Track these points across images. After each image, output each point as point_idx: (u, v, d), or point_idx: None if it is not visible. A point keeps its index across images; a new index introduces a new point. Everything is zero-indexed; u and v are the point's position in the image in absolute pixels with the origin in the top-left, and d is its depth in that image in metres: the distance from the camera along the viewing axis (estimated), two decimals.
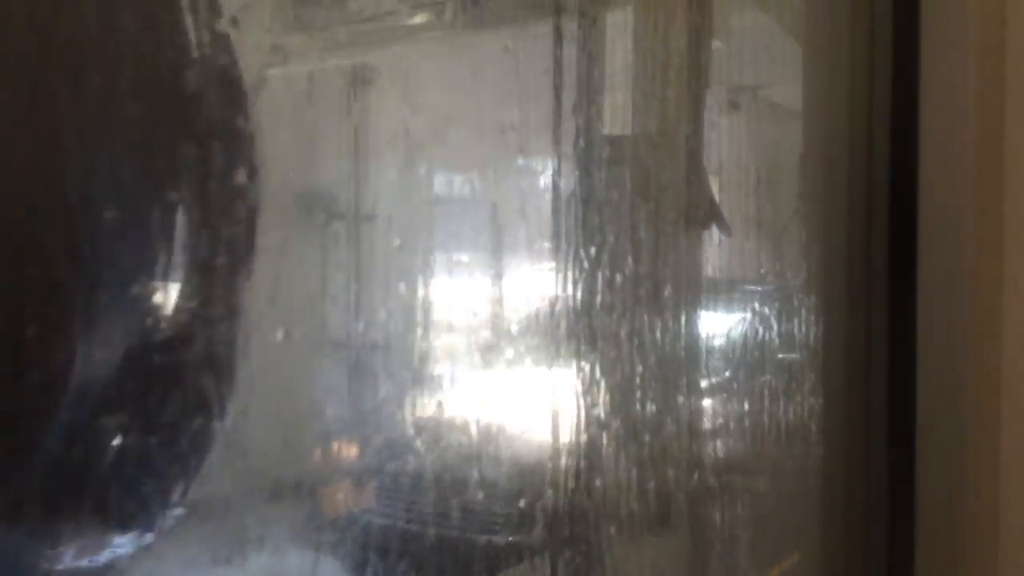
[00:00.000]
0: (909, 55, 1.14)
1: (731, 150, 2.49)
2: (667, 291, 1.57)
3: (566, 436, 1.61)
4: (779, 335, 1.76)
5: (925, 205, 1.22)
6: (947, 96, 1.20)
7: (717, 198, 1.87)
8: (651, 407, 1.69)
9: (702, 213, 1.65)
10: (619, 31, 1.45)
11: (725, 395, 2.24)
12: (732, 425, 2.00)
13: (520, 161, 1.57)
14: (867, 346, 1.07)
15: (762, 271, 2.05)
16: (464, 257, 1.74)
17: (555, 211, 1.33)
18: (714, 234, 1.89)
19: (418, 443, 1.62)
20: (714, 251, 2.03)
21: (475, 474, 1.97)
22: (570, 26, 1.34)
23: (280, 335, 1.17)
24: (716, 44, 2.06)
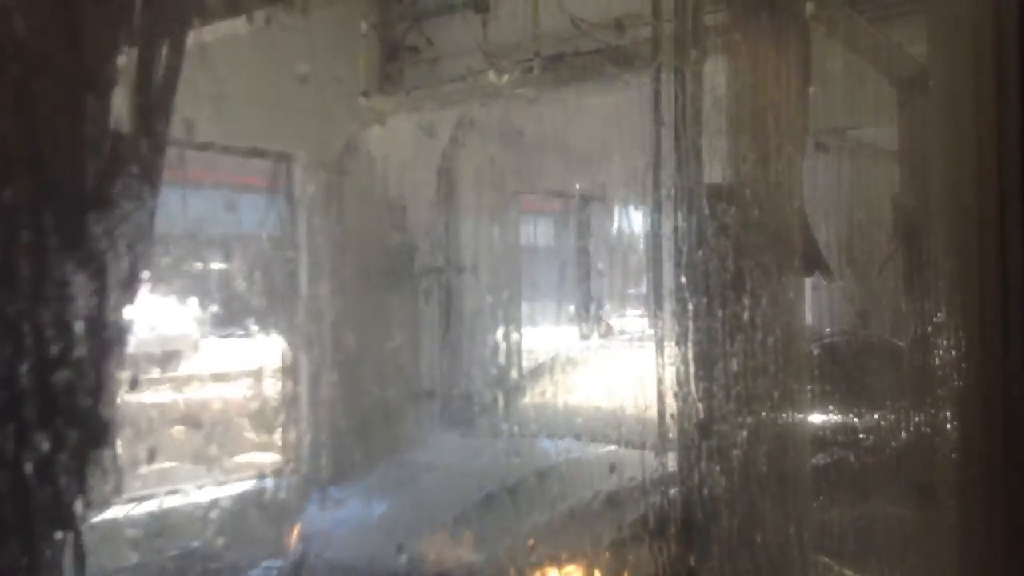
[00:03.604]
0: None
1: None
2: (777, 336, 1.55)
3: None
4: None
5: None
6: None
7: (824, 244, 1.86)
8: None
9: (807, 259, 1.64)
10: (714, 79, 1.47)
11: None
12: None
13: (618, 208, 1.59)
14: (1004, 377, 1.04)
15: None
16: (564, 304, 1.76)
17: (654, 260, 1.34)
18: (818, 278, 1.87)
19: None
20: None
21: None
22: (667, 77, 1.37)
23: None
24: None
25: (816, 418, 2.53)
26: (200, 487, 2.33)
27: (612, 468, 2.17)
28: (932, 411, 1.88)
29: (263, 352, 2.68)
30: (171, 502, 2.07)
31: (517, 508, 2.21)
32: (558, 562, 2.18)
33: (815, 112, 1.88)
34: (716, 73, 1.47)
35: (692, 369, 1.54)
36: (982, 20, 0.90)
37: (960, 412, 1.08)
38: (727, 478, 1.59)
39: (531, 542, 2.19)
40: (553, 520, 2.16)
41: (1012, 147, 0.86)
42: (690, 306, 1.39)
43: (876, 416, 3.34)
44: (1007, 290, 0.89)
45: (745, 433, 1.66)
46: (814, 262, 1.70)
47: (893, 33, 2.31)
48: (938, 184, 1.26)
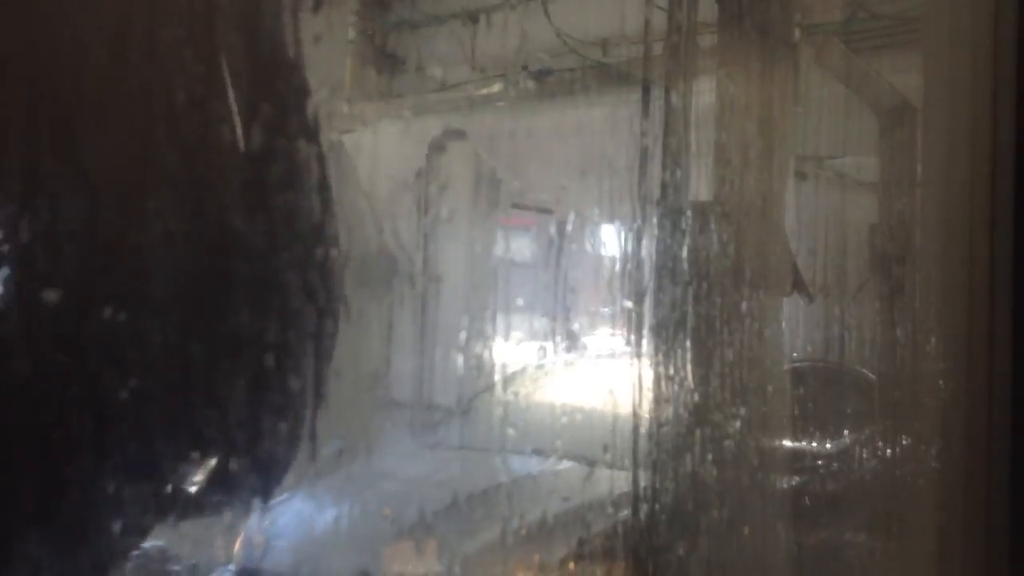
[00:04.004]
0: None
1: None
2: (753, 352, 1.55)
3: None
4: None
5: None
6: None
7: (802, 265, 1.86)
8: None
9: (787, 280, 1.65)
10: (705, 100, 1.48)
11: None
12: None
13: (599, 223, 1.59)
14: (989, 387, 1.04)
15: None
16: (538, 319, 1.75)
17: (632, 277, 1.34)
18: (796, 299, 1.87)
19: None
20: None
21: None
22: (655, 95, 1.37)
23: None
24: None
25: (786, 442, 2.54)
26: None
27: (570, 485, 2.16)
28: (903, 439, 1.90)
29: None
30: None
31: (471, 521, 2.18)
32: None
33: (798, 138, 1.89)
34: (704, 93, 1.47)
35: (664, 387, 1.55)
36: (979, 45, 0.91)
37: (940, 443, 1.08)
38: (691, 499, 1.59)
39: (475, 556, 2.17)
40: (503, 537, 2.15)
41: (1005, 168, 0.87)
42: (667, 323, 1.39)
43: (834, 443, 3.38)
44: (994, 318, 0.89)
45: (715, 453, 1.66)
46: (794, 283, 1.71)
47: (877, 64, 2.34)
48: (926, 208, 1.27)
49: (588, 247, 1.94)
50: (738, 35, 1.67)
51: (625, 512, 1.60)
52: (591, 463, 2.10)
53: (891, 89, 2.24)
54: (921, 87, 1.46)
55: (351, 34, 3.68)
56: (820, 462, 3.21)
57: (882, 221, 2.25)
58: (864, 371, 3.96)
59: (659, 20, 1.62)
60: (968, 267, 0.93)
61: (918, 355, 1.64)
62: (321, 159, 0.74)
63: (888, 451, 2.04)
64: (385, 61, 4.04)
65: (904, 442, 1.76)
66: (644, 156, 1.34)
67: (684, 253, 1.32)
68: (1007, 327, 0.90)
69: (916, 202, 2.22)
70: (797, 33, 1.92)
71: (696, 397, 1.44)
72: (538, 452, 2.35)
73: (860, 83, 2.29)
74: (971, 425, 0.97)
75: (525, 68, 2.95)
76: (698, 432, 1.49)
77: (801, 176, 3.56)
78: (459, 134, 2.66)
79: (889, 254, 2.31)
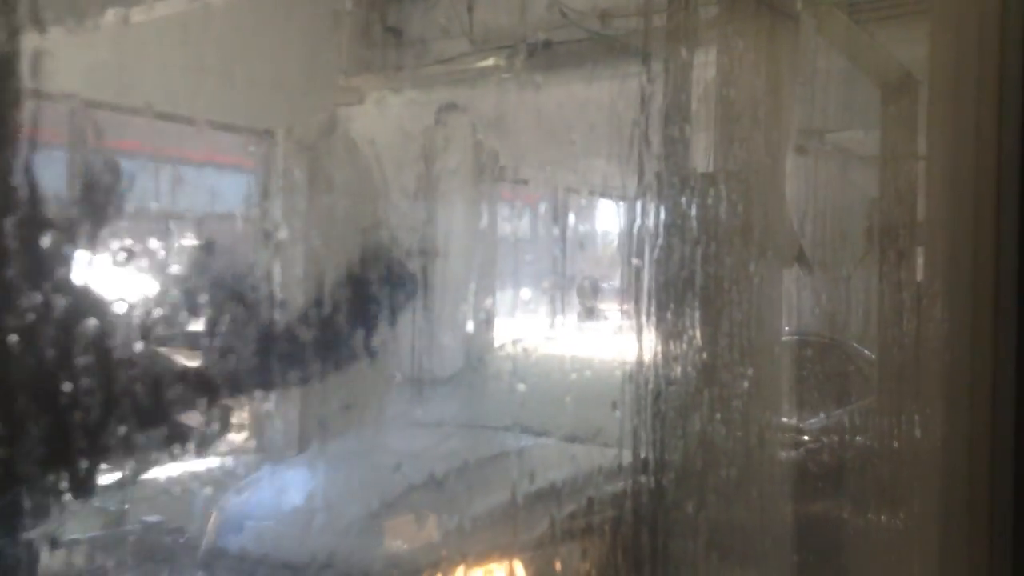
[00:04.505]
0: None
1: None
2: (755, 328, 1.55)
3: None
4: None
5: None
6: None
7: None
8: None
9: (789, 252, 1.64)
10: (702, 72, 1.47)
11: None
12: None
13: (600, 196, 1.59)
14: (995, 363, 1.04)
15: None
16: (539, 289, 1.75)
17: (634, 250, 1.33)
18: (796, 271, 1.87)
19: None
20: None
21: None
22: (657, 68, 1.36)
23: None
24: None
25: (783, 417, 2.55)
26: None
27: (555, 462, 2.14)
28: (903, 415, 1.91)
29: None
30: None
31: (449, 499, 2.15)
32: (482, 558, 2.13)
33: (799, 111, 1.89)
34: (706, 65, 1.46)
35: (660, 361, 1.54)
36: (988, 17, 0.91)
37: (944, 413, 1.08)
38: (681, 474, 1.59)
39: (450, 539, 2.12)
40: (484, 514, 2.11)
41: (1012, 142, 0.87)
42: (668, 297, 1.39)
43: (825, 418, 3.40)
44: (999, 288, 0.89)
45: (710, 426, 1.66)
46: (795, 254, 1.72)
47: (880, 36, 2.32)
48: (931, 180, 1.26)
49: (589, 219, 1.93)
50: (739, 5, 1.65)
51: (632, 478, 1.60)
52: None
53: (893, 61, 2.23)
54: (925, 59, 1.45)
55: (347, 6, 3.65)
56: (809, 437, 3.22)
57: (884, 194, 2.25)
58: (858, 346, 3.96)
59: None
60: (973, 239, 0.93)
61: (921, 325, 1.64)
62: None
63: (888, 423, 2.05)
64: (383, 34, 4.02)
65: (903, 417, 1.77)
66: (645, 127, 1.33)
67: (685, 223, 1.32)
68: (1012, 297, 0.90)
69: (918, 175, 2.22)
70: (799, 3, 1.90)
71: (704, 357, 1.44)
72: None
73: (862, 55, 2.28)
74: (974, 396, 0.97)
75: (523, 41, 2.93)
76: (706, 393, 1.49)
77: (801, 150, 3.55)
78: (457, 108, 2.64)
79: (889, 227, 2.30)
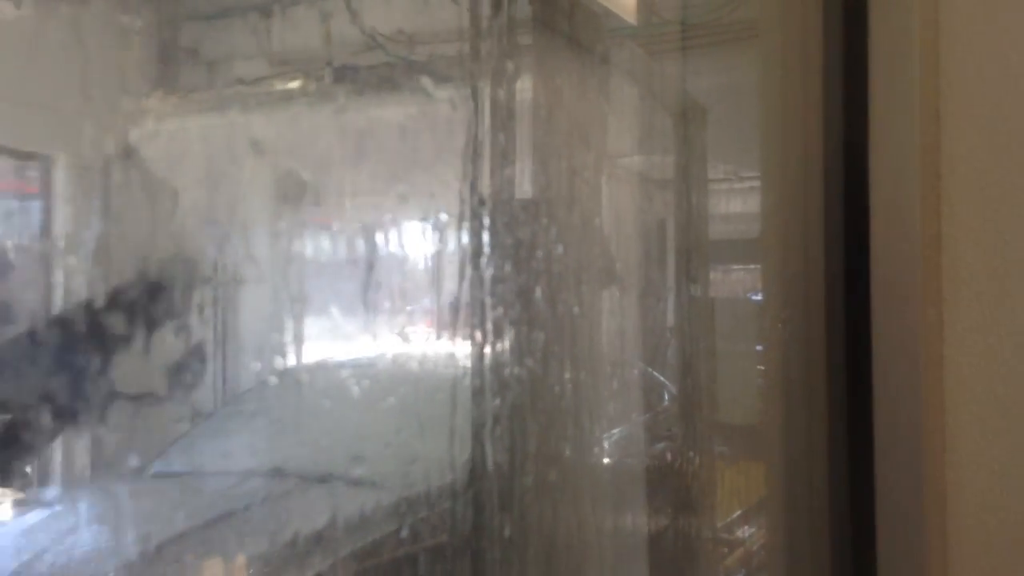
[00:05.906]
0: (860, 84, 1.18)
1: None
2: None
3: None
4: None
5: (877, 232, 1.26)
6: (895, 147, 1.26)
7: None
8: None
9: (610, 272, 1.69)
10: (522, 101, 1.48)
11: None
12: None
13: (407, 222, 1.57)
14: (827, 357, 1.10)
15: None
16: (353, 319, 1.70)
17: (449, 273, 1.32)
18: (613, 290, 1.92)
19: None
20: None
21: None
22: (463, 94, 1.36)
23: None
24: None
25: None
26: None
27: (319, 509, 1.94)
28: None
29: None
30: None
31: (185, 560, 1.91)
32: None
33: (604, 138, 1.95)
34: (520, 92, 1.48)
35: (474, 385, 1.54)
36: (810, 43, 0.98)
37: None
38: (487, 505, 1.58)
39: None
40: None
41: (835, 163, 0.93)
42: (484, 320, 1.39)
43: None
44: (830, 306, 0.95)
45: (522, 454, 1.67)
46: (611, 275, 1.77)
47: (671, 67, 2.46)
48: (765, 198, 1.33)
49: (398, 244, 1.91)
50: (546, 39, 1.70)
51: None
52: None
53: (685, 92, 2.37)
54: (710, 88, 1.54)
55: (136, 25, 3.45)
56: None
57: (678, 212, 2.37)
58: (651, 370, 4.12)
59: (465, 18, 1.62)
60: (803, 252, 0.99)
61: (706, 349, 1.73)
62: None
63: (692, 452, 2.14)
64: (178, 55, 3.83)
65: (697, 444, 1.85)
66: (460, 153, 1.33)
67: (500, 248, 1.33)
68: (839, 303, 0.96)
69: (705, 198, 2.35)
70: (596, 36, 1.97)
71: (522, 379, 1.45)
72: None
73: (654, 85, 2.41)
74: (811, 414, 1.03)
75: (329, 64, 2.88)
76: (525, 418, 1.50)
77: (610, 175, 3.69)
78: (257, 131, 2.54)
79: (680, 248, 2.42)
